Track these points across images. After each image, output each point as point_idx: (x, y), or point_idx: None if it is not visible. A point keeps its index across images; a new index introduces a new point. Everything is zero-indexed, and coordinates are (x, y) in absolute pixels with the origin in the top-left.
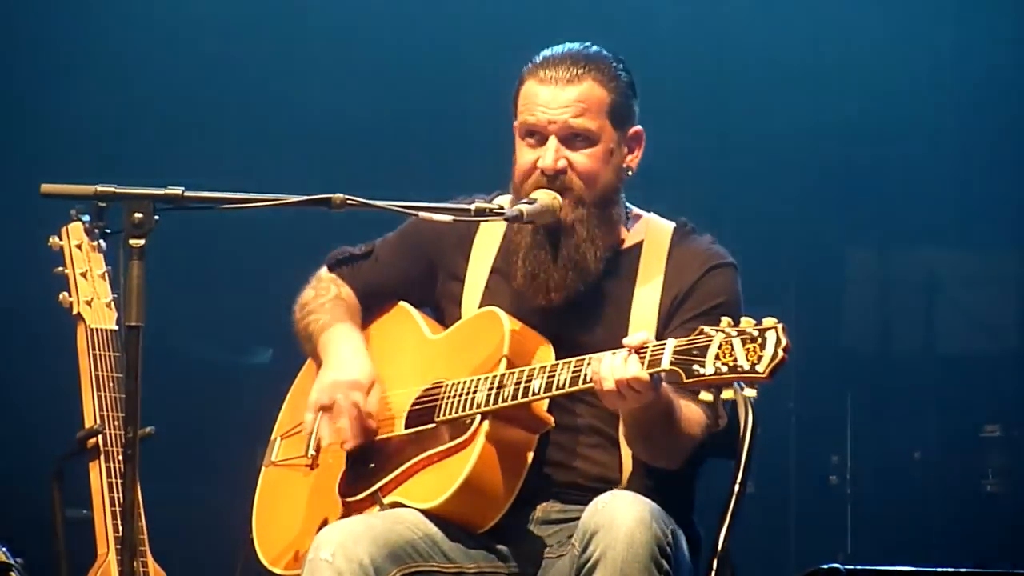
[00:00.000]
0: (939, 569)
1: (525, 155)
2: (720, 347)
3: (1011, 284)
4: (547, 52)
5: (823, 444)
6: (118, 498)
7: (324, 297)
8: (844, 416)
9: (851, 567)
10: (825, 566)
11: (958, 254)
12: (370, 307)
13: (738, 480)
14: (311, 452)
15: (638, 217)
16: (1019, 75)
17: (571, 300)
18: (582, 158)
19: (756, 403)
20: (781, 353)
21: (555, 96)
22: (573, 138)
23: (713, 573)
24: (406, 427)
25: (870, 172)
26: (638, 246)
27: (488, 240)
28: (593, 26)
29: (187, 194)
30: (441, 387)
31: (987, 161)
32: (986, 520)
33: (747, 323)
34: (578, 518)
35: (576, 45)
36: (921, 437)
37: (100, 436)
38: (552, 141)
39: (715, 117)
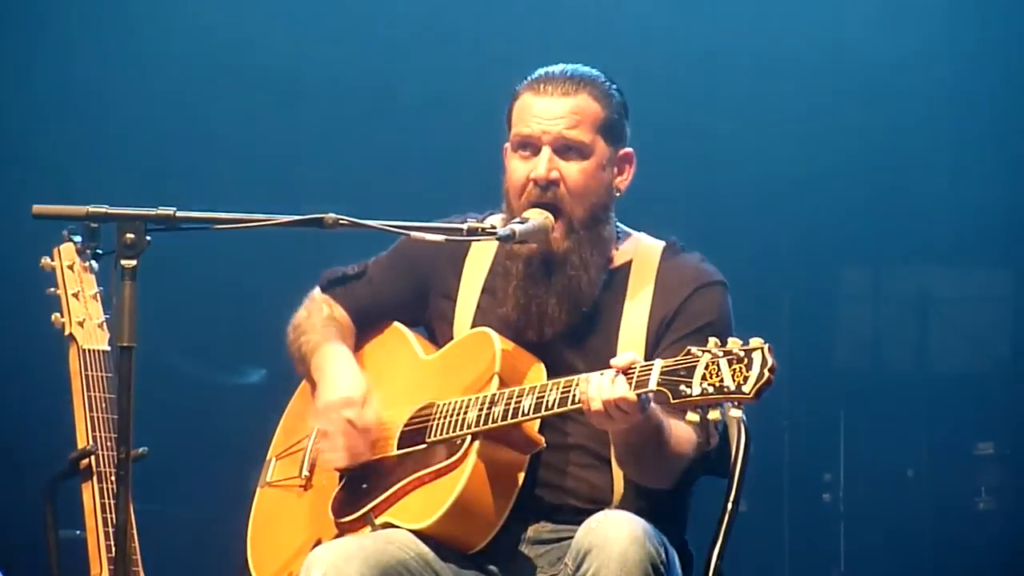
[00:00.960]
0: None
1: (518, 169)
2: (707, 367)
3: (1004, 302)
4: (542, 70)
5: (816, 462)
6: (111, 518)
7: (317, 317)
8: (837, 434)
9: None
10: None
11: (951, 272)
12: (364, 327)
13: (731, 499)
14: (304, 473)
15: (628, 236)
16: (1014, 94)
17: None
18: (574, 172)
19: (748, 421)
20: (767, 374)
21: (550, 106)
22: (566, 150)
23: None
24: (398, 447)
25: (863, 191)
26: (627, 265)
27: (479, 259)
28: (587, 45)
29: (179, 214)
30: (433, 407)
31: (980, 180)
32: (979, 538)
33: (734, 343)
34: (570, 538)
35: (572, 65)
36: (914, 455)
37: (93, 457)
38: (545, 151)
39: (707, 135)
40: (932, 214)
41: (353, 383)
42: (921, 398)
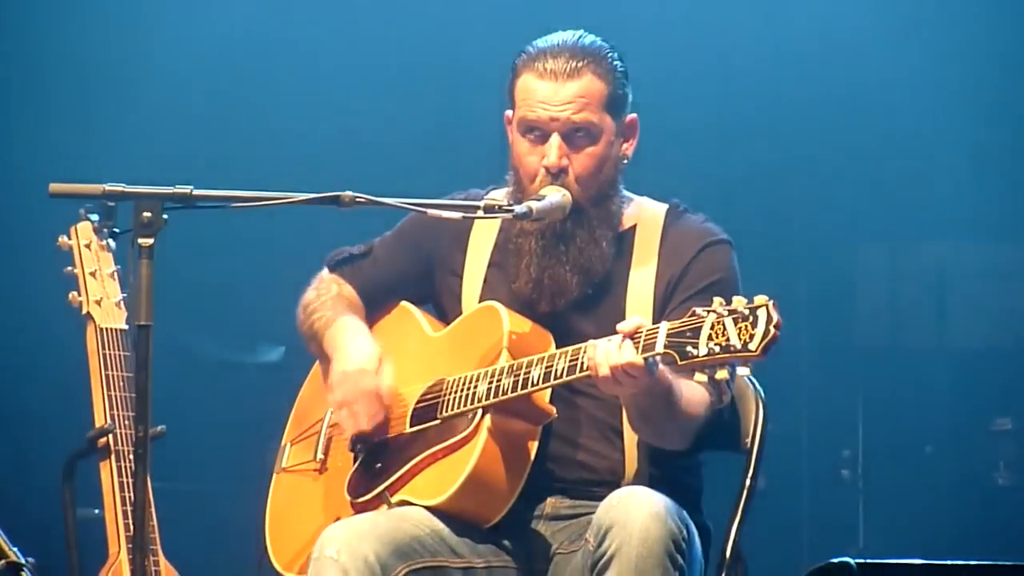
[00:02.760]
0: (951, 562)
1: (528, 155)
2: (712, 327)
3: (1022, 278)
4: (541, 43)
5: (835, 438)
6: (129, 497)
7: (326, 295)
8: (856, 410)
9: (863, 560)
10: (837, 560)
11: (969, 248)
12: (372, 306)
13: (749, 474)
14: (319, 456)
15: (631, 201)
16: None
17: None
18: (584, 158)
19: (767, 396)
20: (773, 330)
21: (555, 92)
22: (575, 133)
23: (726, 568)
24: (411, 425)
25: (881, 167)
26: (631, 230)
27: (484, 234)
28: (595, 19)
29: (196, 192)
30: (443, 384)
31: (999, 155)
32: (998, 513)
33: (739, 302)
34: (588, 514)
35: (569, 36)
36: (933, 431)
37: (111, 435)
38: (555, 138)
39: (724, 112)
40: (951, 189)
41: (368, 352)
42: (940, 374)
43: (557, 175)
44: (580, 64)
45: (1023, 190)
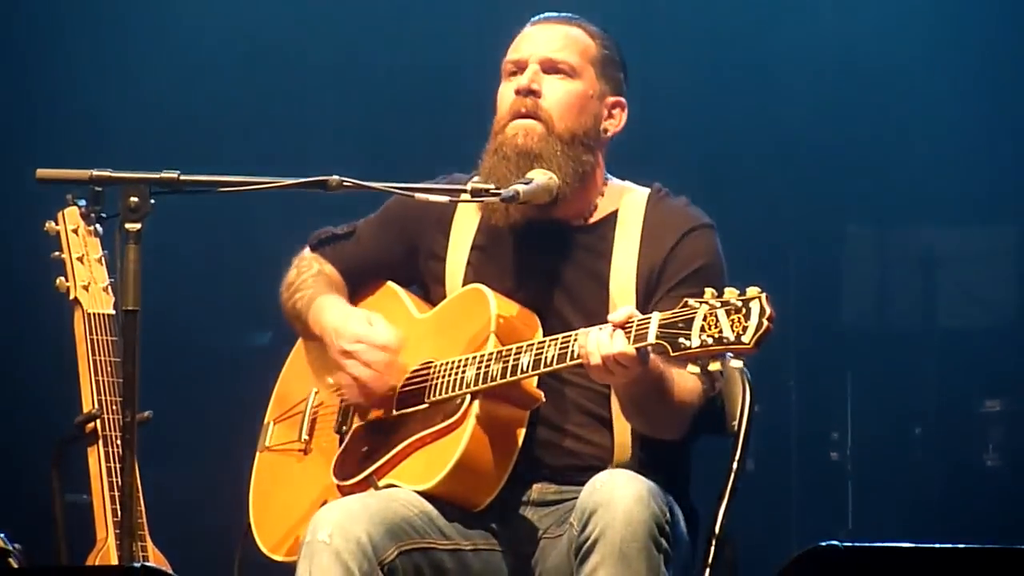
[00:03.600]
0: (940, 545)
1: (505, 90)
2: (705, 319)
3: (1009, 259)
4: None
5: (823, 421)
6: (117, 482)
7: (308, 274)
8: (844, 393)
9: (851, 544)
10: (825, 543)
11: (956, 230)
12: (354, 287)
13: (736, 457)
14: (304, 436)
15: (613, 185)
16: (1017, 50)
17: (554, 267)
18: (557, 87)
19: (755, 380)
20: (766, 323)
21: (542, 31)
22: (553, 70)
23: (712, 550)
24: (397, 408)
25: (867, 149)
26: (612, 215)
27: (467, 218)
28: (591, 13)
29: (183, 178)
30: (431, 367)
31: (984, 136)
32: (987, 495)
33: (731, 293)
34: (574, 499)
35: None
36: (921, 413)
37: (98, 420)
38: (532, 67)
39: (712, 97)
40: (937, 171)
41: (358, 316)
42: (928, 356)
43: (526, 95)
44: (573, 21)
45: (1009, 173)
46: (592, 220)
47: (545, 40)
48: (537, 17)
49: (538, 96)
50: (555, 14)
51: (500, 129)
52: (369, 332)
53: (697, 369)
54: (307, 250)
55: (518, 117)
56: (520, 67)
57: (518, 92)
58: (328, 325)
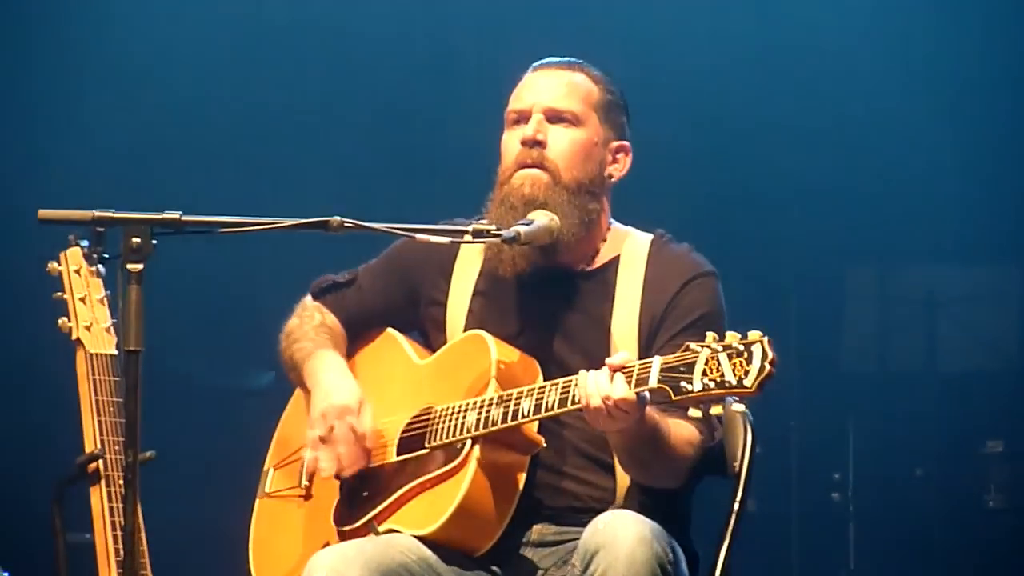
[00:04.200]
0: None
1: (508, 139)
2: (707, 363)
3: (1012, 300)
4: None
5: (825, 461)
6: (119, 522)
7: (309, 325)
8: (846, 433)
9: None
10: None
11: (958, 271)
12: (356, 334)
13: (738, 498)
14: (304, 482)
15: (615, 232)
16: (1019, 90)
17: (556, 313)
18: (561, 136)
19: (756, 421)
20: (768, 366)
21: (544, 78)
22: (557, 119)
23: None
24: (398, 454)
25: (869, 190)
26: (615, 261)
27: (469, 263)
28: (593, 48)
29: (184, 218)
30: (431, 412)
31: (986, 177)
32: (989, 536)
33: (732, 337)
34: (574, 540)
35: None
36: (923, 453)
37: (101, 461)
38: (536, 116)
39: (713, 134)
40: (939, 213)
41: (348, 390)
42: (929, 397)
43: (532, 147)
44: (575, 67)
45: (1011, 214)
46: (595, 265)
47: (548, 88)
48: (539, 63)
49: (543, 146)
50: (557, 59)
51: (506, 179)
52: (342, 426)
53: (699, 413)
54: (309, 299)
55: (524, 167)
56: (523, 116)
57: (523, 143)
58: (315, 398)
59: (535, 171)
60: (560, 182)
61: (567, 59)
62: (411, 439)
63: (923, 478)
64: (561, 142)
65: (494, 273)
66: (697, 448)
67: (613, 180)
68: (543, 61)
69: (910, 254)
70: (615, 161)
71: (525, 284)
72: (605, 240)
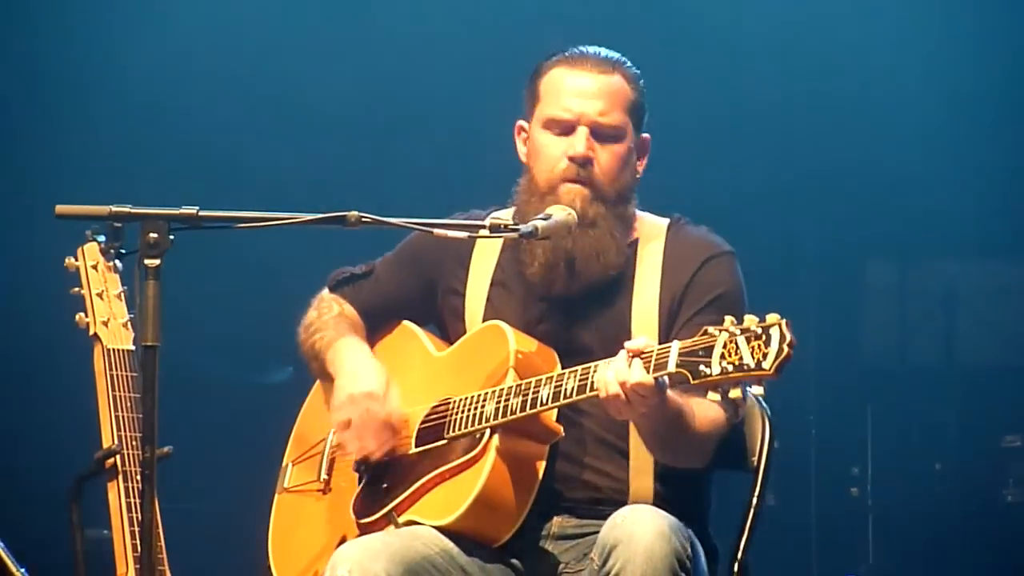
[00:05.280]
0: None
1: (550, 146)
2: (725, 346)
3: None
4: (573, 48)
5: (844, 456)
6: (137, 518)
7: (328, 315)
8: (865, 428)
9: None
10: None
11: (977, 265)
12: (373, 326)
13: (756, 492)
14: (323, 476)
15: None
16: None
17: (575, 301)
18: (608, 156)
19: (775, 415)
20: (786, 349)
21: (587, 84)
22: (603, 136)
23: None
24: (417, 445)
25: (891, 183)
26: (633, 243)
27: (486, 253)
28: (605, 40)
29: (202, 213)
30: (449, 403)
31: (1009, 172)
32: (1007, 530)
33: (751, 320)
34: (594, 533)
35: (600, 48)
36: (942, 448)
37: (118, 456)
38: (582, 131)
39: (732, 127)
40: (960, 207)
41: (374, 374)
42: (948, 391)
43: (583, 164)
44: (612, 66)
45: None
46: None
47: (592, 98)
48: (575, 57)
49: (592, 164)
50: (593, 55)
51: (550, 188)
52: (369, 410)
53: (718, 396)
54: (326, 291)
55: (571, 182)
56: (567, 127)
57: (572, 160)
58: (339, 384)
59: (583, 188)
60: (604, 197)
61: (604, 55)
62: (430, 430)
63: (942, 473)
64: (608, 160)
65: (512, 262)
66: (721, 426)
67: (639, 176)
68: (574, 54)
69: (930, 248)
70: (640, 157)
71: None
72: (632, 223)
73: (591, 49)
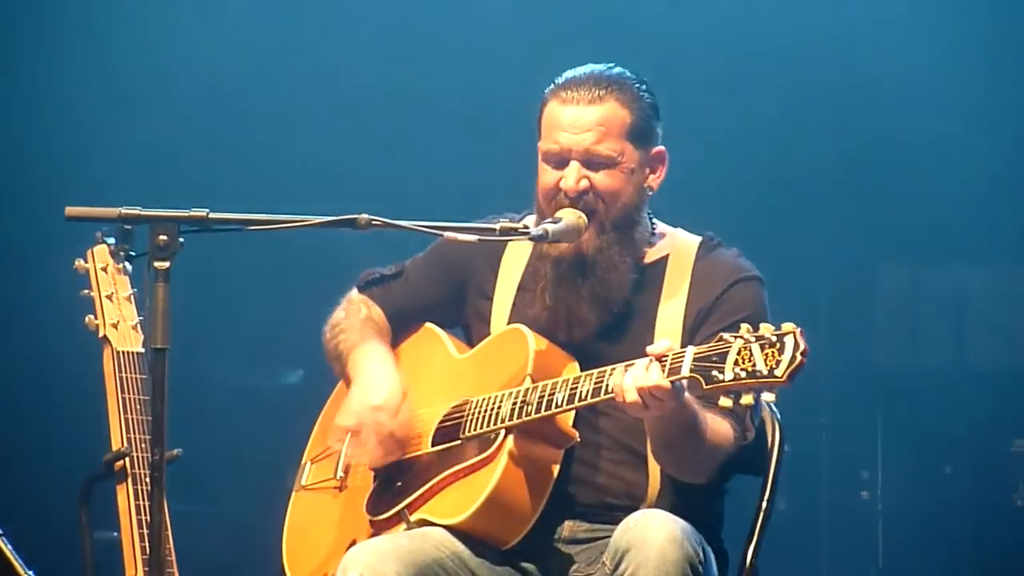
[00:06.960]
0: None
1: (547, 176)
2: (739, 352)
3: None
4: (570, 73)
5: (854, 460)
6: (146, 520)
7: (355, 317)
8: (875, 432)
9: None
10: None
11: (988, 269)
12: (400, 328)
13: (766, 496)
14: (339, 474)
15: (663, 234)
16: None
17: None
18: (603, 178)
19: (785, 419)
20: (800, 357)
21: (576, 118)
22: (594, 164)
23: None
24: (433, 445)
25: (902, 187)
26: (663, 260)
27: (516, 258)
28: (617, 47)
29: (212, 215)
30: (467, 404)
31: (1020, 177)
32: (1017, 534)
33: (766, 328)
34: (605, 538)
35: (600, 67)
36: (952, 452)
37: (127, 458)
38: (574, 164)
39: (744, 134)
40: (971, 211)
41: (388, 386)
42: (958, 395)
43: (577, 198)
44: (603, 92)
45: None
46: (645, 262)
47: (581, 130)
48: (564, 87)
49: (587, 193)
50: (583, 82)
51: (548, 215)
52: (376, 423)
53: (730, 403)
54: (355, 291)
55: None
56: (560, 161)
57: (566, 195)
58: (355, 389)
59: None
60: (606, 221)
61: (594, 79)
62: (447, 430)
63: (952, 477)
64: (603, 184)
65: (538, 267)
66: (730, 445)
67: (653, 191)
68: (568, 84)
69: (941, 252)
70: (652, 172)
71: None
72: (651, 242)
73: (587, 73)
